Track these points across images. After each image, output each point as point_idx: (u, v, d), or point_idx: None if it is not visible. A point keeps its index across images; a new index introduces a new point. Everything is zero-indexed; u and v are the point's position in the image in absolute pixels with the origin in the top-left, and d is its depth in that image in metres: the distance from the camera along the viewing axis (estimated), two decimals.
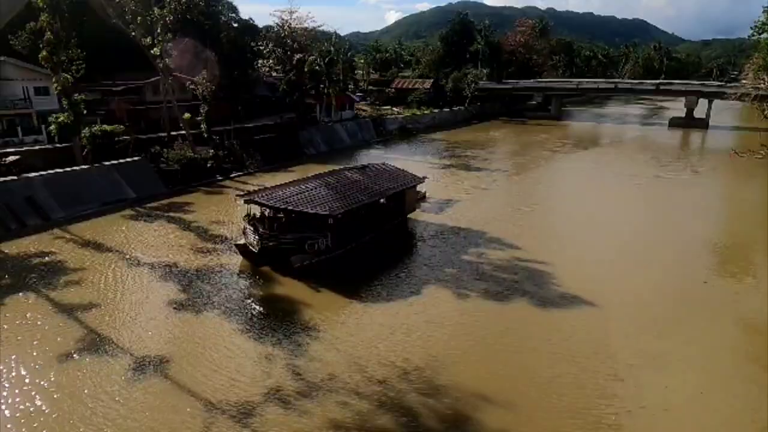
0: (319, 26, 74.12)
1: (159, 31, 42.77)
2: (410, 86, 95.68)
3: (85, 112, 39.20)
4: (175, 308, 21.63)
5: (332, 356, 18.15)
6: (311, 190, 27.00)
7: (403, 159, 53.64)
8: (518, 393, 16.28)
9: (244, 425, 14.64)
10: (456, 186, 44.36)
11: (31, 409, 15.32)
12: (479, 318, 21.33)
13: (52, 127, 39.69)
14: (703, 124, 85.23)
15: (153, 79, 50.23)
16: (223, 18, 62.14)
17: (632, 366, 17.68)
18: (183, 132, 46.39)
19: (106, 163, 38.52)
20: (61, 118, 38.96)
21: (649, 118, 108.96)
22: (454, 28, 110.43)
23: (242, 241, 26.74)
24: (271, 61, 69.10)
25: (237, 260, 26.67)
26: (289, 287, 23.62)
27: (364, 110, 78.38)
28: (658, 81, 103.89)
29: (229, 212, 34.41)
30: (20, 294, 22.62)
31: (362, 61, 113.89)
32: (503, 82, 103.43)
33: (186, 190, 40.85)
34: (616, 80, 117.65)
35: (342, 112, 70.56)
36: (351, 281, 24.20)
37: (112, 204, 36.02)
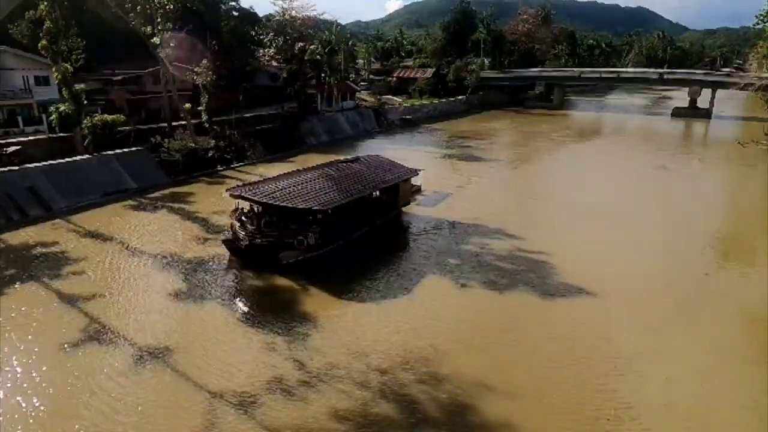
0: (320, 14, 73.90)
1: (159, 20, 42.55)
2: (412, 76, 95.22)
3: (85, 102, 39.16)
4: (175, 298, 21.70)
5: (331, 347, 18.20)
6: (301, 183, 25.76)
7: (404, 149, 53.49)
8: (518, 385, 16.29)
9: (249, 416, 14.77)
10: (456, 177, 44.16)
11: (35, 399, 15.46)
12: (480, 309, 21.36)
13: (53, 117, 39.66)
14: (706, 114, 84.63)
15: (153, 69, 49.95)
16: (223, 7, 61.75)
17: (632, 360, 17.65)
18: (184, 122, 46.27)
19: (107, 153, 38.44)
20: (62, 108, 38.93)
21: (652, 108, 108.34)
22: (455, 16, 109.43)
23: (229, 237, 25.68)
24: (271, 50, 68.73)
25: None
26: (287, 279, 23.55)
27: (365, 100, 78.07)
28: (661, 70, 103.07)
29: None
30: (22, 284, 22.70)
31: (363, 50, 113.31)
32: (505, 71, 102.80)
33: (187, 181, 40.85)
34: (619, 69, 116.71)
35: (343, 102, 70.28)
36: (344, 276, 23.95)
37: (113, 194, 36.05)
